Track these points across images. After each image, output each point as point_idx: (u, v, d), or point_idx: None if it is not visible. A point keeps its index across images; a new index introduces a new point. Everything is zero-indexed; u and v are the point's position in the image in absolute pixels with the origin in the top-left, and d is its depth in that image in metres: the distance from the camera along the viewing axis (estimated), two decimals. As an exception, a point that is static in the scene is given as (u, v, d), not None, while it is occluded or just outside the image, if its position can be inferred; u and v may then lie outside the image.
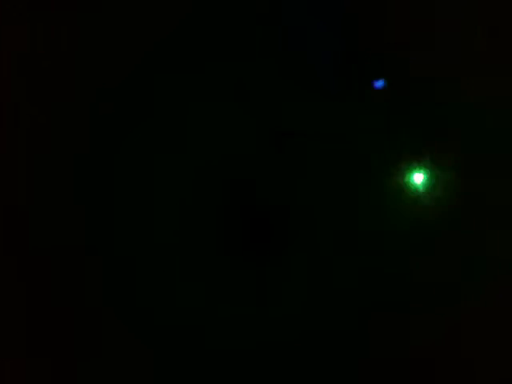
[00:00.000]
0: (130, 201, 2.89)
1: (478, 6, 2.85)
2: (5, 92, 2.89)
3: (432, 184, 2.83)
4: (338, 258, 2.84)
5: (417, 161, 2.84)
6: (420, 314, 2.80)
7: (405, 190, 2.85)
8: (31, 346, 2.80)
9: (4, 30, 2.90)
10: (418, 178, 2.84)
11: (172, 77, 2.91)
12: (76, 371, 2.79)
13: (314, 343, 2.81)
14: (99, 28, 2.91)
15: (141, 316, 2.82)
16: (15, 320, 2.81)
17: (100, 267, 2.83)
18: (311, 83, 2.89)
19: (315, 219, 2.87)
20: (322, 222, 2.87)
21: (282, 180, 2.89)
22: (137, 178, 2.90)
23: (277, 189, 2.89)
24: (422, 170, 2.84)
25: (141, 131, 2.90)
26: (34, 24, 2.90)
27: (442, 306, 2.80)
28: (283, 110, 2.90)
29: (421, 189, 2.85)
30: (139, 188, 2.89)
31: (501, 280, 2.80)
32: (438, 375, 2.79)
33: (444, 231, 2.83)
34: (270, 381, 2.81)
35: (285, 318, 2.83)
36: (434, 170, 2.82)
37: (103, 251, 2.84)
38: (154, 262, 2.86)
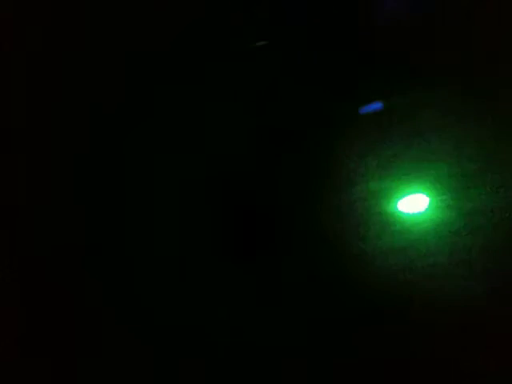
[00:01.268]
0: (130, 201, 2.89)
1: None
2: (5, 92, 2.89)
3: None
4: (337, 257, 2.84)
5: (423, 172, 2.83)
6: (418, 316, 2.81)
7: (402, 194, 2.86)
8: (31, 346, 2.80)
9: (4, 30, 2.90)
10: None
11: (172, 76, 2.91)
12: (76, 371, 2.79)
13: (313, 344, 2.81)
14: (99, 26, 2.91)
15: (141, 316, 2.83)
16: (15, 320, 2.81)
17: (100, 267, 2.83)
18: (311, 83, 2.89)
19: (315, 219, 2.87)
20: (322, 222, 2.87)
21: (283, 180, 2.89)
22: (136, 177, 2.90)
23: (277, 189, 2.89)
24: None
25: (141, 131, 2.90)
26: (34, 24, 2.90)
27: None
28: (283, 109, 2.90)
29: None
30: (139, 188, 2.90)
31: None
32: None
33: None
34: (269, 381, 2.81)
35: (283, 318, 2.83)
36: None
37: (103, 251, 2.84)
38: (154, 262, 2.86)
